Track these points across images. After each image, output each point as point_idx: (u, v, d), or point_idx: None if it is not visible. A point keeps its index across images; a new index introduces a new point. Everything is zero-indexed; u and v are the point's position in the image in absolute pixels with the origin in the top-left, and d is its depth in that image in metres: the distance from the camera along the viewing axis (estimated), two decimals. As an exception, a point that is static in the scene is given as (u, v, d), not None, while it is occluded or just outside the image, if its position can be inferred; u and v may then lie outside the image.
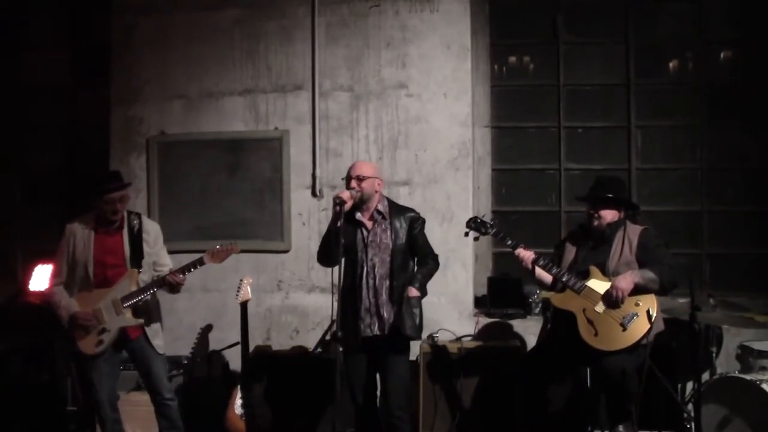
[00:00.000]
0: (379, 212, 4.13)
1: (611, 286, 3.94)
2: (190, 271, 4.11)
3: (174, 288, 4.15)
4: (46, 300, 4.30)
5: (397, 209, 4.20)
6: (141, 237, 4.17)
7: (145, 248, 4.18)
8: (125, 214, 4.18)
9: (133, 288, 4.06)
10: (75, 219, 4.21)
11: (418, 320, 4.07)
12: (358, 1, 5.41)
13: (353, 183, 4.05)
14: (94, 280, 4.08)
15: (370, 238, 4.09)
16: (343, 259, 3.99)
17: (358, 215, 4.11)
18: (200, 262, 4.11)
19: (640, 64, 5.46)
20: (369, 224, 4.12)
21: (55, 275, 4.18)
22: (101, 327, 4.03)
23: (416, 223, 4.17)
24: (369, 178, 4.08)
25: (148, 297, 4.13)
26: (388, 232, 4.09)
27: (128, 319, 4.05)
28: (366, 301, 4.06)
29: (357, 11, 5.41)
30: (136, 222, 4.20)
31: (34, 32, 6.35)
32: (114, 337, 4.07)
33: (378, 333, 4.05)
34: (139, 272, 4.11)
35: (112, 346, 4.10)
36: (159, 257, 4.26)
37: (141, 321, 4.09)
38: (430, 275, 4.20)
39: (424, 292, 4.15)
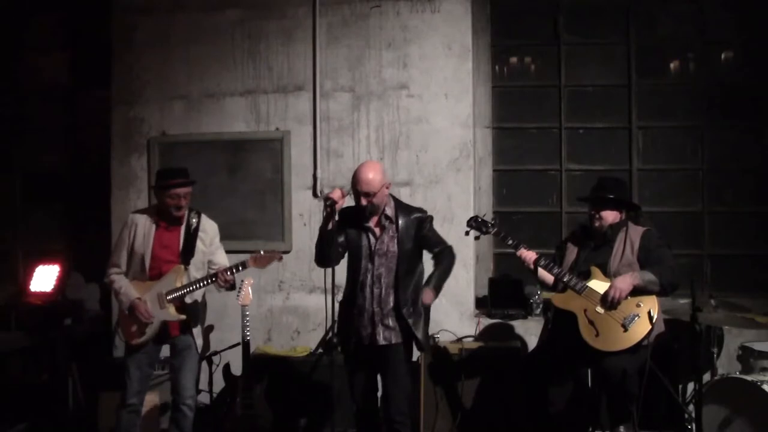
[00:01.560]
0: (386, 217, 3.90)
1: (610, 287, 3.95)
2: (233, 272, 4.13)
3: (228, 287, 4.18)
4: (107, 288, 4.31)
5: (403, 210, 3.96)
6: (197, 235, 4.21)
7: (200, 246, 4.21)
8: (186, 211, 4.22)
9: (178, 284, 4.10)
10: (138, 211, 4.32)
11: (427, 331, 4.04)
12: (359, 1, 5.42)
13: (363, 201, 3.80)
14: (149, 273, 4.14)
15: (377, 246, 3.88)
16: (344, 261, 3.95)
17: (371, 223, 3.90)
18: (243, 266, 4.12)
19: (641, 64, 5.47)
20: (377, 231, 3.90)
21: (114, 264, 4.22)
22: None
23: (424, 223, 3.96)
24: (379, 191, 3.82)
25: (197, 295, 4.19)
26: (395, 239, 3.88)
27: (171, 314, 4.10)
28: (370, 309, 3.88)
29: (358, 12, 5.42)
30: (195, 220, 4.23)
31: (35, 33, 6.35)
32: (156, 330, 4.12)
33: (384, 342, 3.89)
34: (186, 269, 4.14)
35: (153, 340, 4.15)
36: (214, 256, 4.28)
37: (183, 317, 4.13)
38: (448, 271, 4.01)
39: (437, 294, 3.98)
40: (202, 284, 4.14)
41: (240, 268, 4.13)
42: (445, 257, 4.02)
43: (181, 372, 4.21)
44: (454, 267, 4.04)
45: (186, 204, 4.17)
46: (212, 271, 4.21)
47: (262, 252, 4.16)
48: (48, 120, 6.33)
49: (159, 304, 4.09)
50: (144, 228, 4.17)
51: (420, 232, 3.94)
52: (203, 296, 4.35)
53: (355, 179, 3.84)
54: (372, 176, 3.81)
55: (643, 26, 5.48)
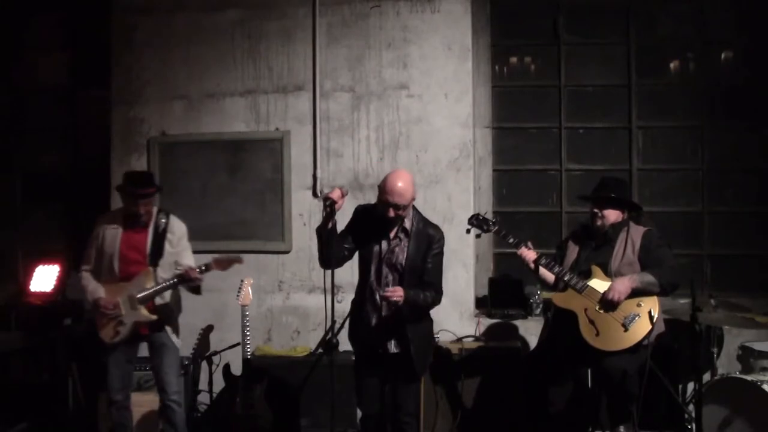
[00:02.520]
0: (403, 229, 3.81)
1: (609, 288, 3.94)
2: (200, 272, 4.18)
3: (194, 288, 4.24)
4: (75, 284, 4.43)
5: (420, 224, 3.85)
6: (165, 236, 4.26)
7: (168, 247, 4.26)
8: (154, 212, 4.29)
9: (148, 285, 4.16)
10: (107, 213, 4.42)
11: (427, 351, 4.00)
12: (359, 1, 5.41)
13: (392, 213, 3.69)
14: (119, 274, 4.20)
15: (386, 255, 3.81)
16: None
17: (393, 232, 3.82)
18: (207, 268, 4.19)
19: (641, 64, 5.47)
20: (393, 240, 3.82)
21: (85, 262, 4.32)
22: (118, 319, 4.16)
23: (434, 244, 3.82)
24: (409, 203, 3.76)
25: (166, 296, 4.24)
26: (406, 252, 3.80)
27: (143, 314, 4.17)
28: (379, 317, 3.83)
29: (358, 12, 5.42)
30: (163, 221, 4.28)
31: (34, 32, 6.34)
32: (129, 330, 4.18)
33: (395, 351, 3.84)
34: (155, 270, 4.19)
35: (128, 339, 4.22)
36: (181, 257, 4.31)
37: (154, 318, 4.19)
38: (424, 302, 3.82)
39: (407, 306, 3.75)
40: (170, 285, 4.19)
41: (204, 270, 4.18)
42: (431, 293, 3.84)
43: (161, 369, 4.29)
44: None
45: (150, 209, 4.24)
46: (178, 271, 4.24)
47: (221, 255, 4.25)
48: (48, 120, 6.32)
49: (130, 305, 4.15)
50: (111, 230, 4.25)
51: (427, 250, 3.82)
52: (176, 292, 4.36)
53: (387, 190, 3.70)
54: (404, 187, 3.70)
55: (643, 26, 5.48)
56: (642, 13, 5.48)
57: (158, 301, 4.23)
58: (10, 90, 6.34)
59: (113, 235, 4.23)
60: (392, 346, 3.84)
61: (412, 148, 5.36)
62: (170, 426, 4.33)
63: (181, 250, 4.31)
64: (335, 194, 3.71)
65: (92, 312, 4.25)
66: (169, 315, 4.30)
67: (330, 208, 3.68)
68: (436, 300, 3.89)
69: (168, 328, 4.29)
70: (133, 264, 4.20)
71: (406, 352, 3.83)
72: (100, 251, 4.24)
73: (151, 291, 4.15)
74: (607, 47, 5.53)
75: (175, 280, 4.18)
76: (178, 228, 4.35)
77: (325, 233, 3.74)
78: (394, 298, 3.67)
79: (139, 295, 4.13)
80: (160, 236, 4.24)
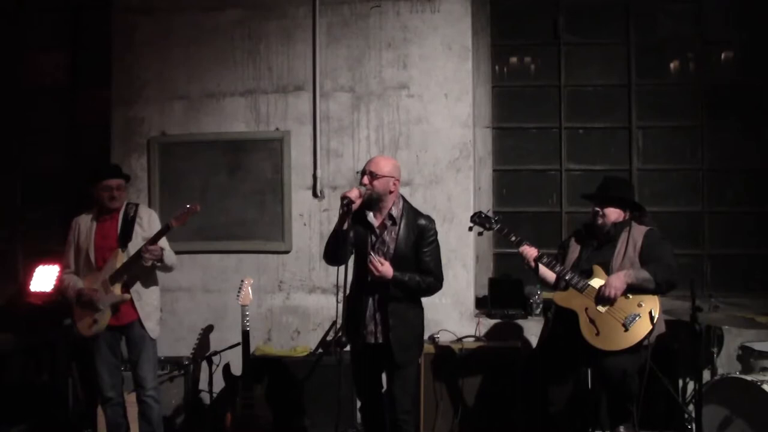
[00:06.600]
0: (390, 216, 3.85)
1: (604, 284, 3.95)
2: (159, 237, 4.25)
3: (156, 256, 4.24)
4: (58, 288, 4.55)
5: (411, 214, 3.88)
6: (134, 221, 4.36)
7: (138, 231, 4.35)
8: (124, 203, 4.40)
9: (119, 266, 4.23)
10: (81, 212, 4.48)
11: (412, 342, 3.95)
12: (359, 1, 5.41)
13: (365, 179, 3.78)
14: (96, 265, 4.30)
15: (377, 245, 3.85)
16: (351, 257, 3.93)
17: (370, 216, 3.86)
18: (167, 228, 4.24)
19: (641, 64, 5.47)
20: (379, 229, 3.87)
21: (64, 266, 4.44)
22: (96, 305, 4.22)
23: (426, 233, 3.85)
24: (384, 177, 3.79)
25: (133, 271, 4.27)
26: (396, 239, 3.83)
27: (117, 295, 4.24)
28: (372, 307, 3.87)
29: (358, 12, 5.42)
30: (132, 210, 4.41)
31: (35, 32, 6.34)
32: (108, 317, 4.24)
33: (376, 341, 3.87)
34: (125, 252, 4.26)
35: (107, 329, 4.25)
36: None
37: (128, 297, 4.26)
38: (418, 287, 3.84)
39: (397, 287, 3.81)
40: (135, 258, 4.21)
41: (165, 231, 4.24)
42: (430, 279, 3.88)
43: (138, 364, 4.33)
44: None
45: (120, 196, 4.34)
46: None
47: (181, 210, 4.27)
48: (48, 120, 6.31)
49: (104, 290, 4.22)
50: (85, 225, 4.38)
51: (419, 241, 3.85)
52: (152, 276, 4.42)
53: (368, 161, 3.92)
54: (383, 163, 3.86)
55: (643, 26, 5.49)
56: (642, 13, 5.48)
57: (137, 295, 4.28)
58: (11, 89, 6.34)
59: (87, 229, 4.36)
60: (375, 336, 3.87)
61: (412, 148, 5.36)
62: (146, 423, 4.34)
63: (152, 232, 4.34)
64: (354, 194, 3.71)
65: (75, 305, 4.31)
66: (141, 296, 4.31)
67: (347, 207, 3.66)
68: (435, 285, 3.92)
69: (142, 313, 4.30)
70: (108, 251, 4.29)
71: (386, 340, 3.85)
72: (77, 248, 4.37)
73: (120, 270, 4.21)
74: (607, 47, 5.54)
75: (135, 257, 4.21)
76: (147, 213, 4.48)
77: (341, 232, 3.74)
78: (379, 269, 3.73)
79: (111, 277, 4.20)
80: (129, 222, 4.35)
